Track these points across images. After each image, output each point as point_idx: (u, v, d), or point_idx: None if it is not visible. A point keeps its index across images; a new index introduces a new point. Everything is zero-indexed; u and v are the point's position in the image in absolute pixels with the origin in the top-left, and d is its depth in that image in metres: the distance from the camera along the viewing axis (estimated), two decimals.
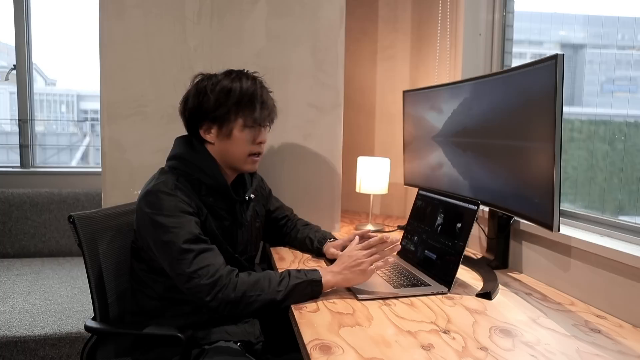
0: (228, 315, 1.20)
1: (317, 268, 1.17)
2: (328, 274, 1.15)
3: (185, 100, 1.26)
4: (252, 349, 1.24)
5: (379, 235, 1.23)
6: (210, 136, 1.24)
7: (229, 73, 1.25)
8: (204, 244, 1.14)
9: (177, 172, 1.22)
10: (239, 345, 1.20)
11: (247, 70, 1.28)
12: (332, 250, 1.41)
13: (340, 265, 1.17)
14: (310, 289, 1.12)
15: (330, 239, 1.49)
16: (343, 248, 1.42)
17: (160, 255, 1.15)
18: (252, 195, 1.37)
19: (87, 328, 1.20)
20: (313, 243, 1.49)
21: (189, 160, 1.23)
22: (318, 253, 1.48)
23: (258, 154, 1.28)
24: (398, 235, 1.87)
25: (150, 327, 1.17)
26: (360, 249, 1.19)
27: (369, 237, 1.34)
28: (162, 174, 1.22)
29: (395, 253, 1.24)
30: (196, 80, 1.26)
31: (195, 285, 1.09)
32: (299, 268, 1.17)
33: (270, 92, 1.29)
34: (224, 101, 1.20)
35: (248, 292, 1.09)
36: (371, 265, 1.16)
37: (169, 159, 1.27)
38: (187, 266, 1.09)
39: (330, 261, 1.42)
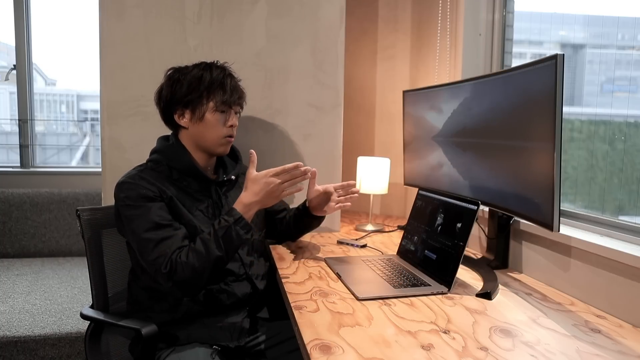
0: (210, 310, 1.24)
1: (234, 207, 1.23)
2: (247, 208, 1.23)
3: (160, 91, 1.34)
4: (231, 353, 1.24)
5: (295, 163, 1.26)
6: (184, 121, 1.31)
7: (198, 64, 1.34)
8: (165, 229, 1.19)
9: (149, 164, 1.30)
10: (214, 349, 1.20)
11: (217, 61, 1.36)
12: (312, 196, 1.45)
13: (257, 192, 1.23)
14: (239, 228, 1.19)
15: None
16: (322, 194, 1.45)
17: (132, 245, 1.22)
18: (233, 177, 1.40)
19: (81, 315, 1.29)
20: (299, 209, 1.53)
21: (163, 151, 1.32)
22: (305, 213, 1.50)
23: (230, 136, 1.34)
24: (398, 234, 1.88)
25: (126, 320, 1.21)
26: (274, 175, 1.23)
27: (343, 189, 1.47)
28: (136, 167, 1.31)
29: (309, 178, 1.29)
30: (169, 73, 1.34)
31: (155, 273, 1.17)
32: (224, 216, 1.22)
33: (239, 80, 1.38)
34: (196, 86, 1.28)
35: (195, 265, 1.15)
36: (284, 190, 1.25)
37: (150, 154, 1.35)
38: (149, 254, 1.17)
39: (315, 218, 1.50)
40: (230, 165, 1.44)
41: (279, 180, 1.23)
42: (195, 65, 1.33)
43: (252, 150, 1.30)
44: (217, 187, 1.35)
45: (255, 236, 1.38)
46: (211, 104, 1.29)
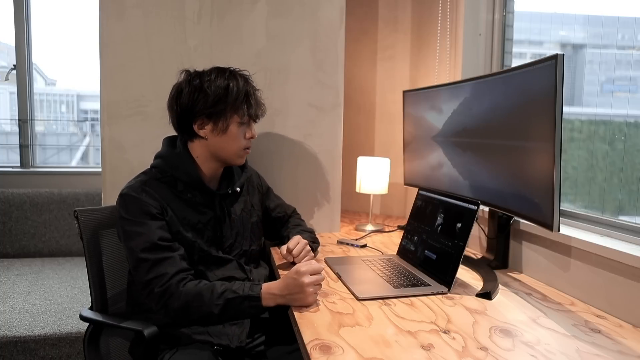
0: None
1: (263, 284, 1.14)
2: (269, 296, 1.12)
3: (177, 96, 1.27)
4: (233, 353, 1.23)
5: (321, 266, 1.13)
6: (204, 131, 1.27)
7: (220, 71, 1.28)
8: (163, 251, 1.16)
9: (154, 172, 1.27)
10: (215, 349, 1.20)
11: (233, 67, 1.31)
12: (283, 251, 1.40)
13: (284, 288, 1.11)
14: (248, 304, 1.11)
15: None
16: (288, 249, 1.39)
17: (129, 261, 1.20)
18: (238, 189, 1.38)
19: (81, 317, 1.28)
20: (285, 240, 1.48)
21: (168, 158, 1.29)
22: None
23: (248, 147, 1.34)
24: (398, 234, 1.88)
25: (127, 322, 1.20)
26: (307, 272, 1.10)
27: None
28: (140, 174, 1.28)
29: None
30: (186, 76, 1.28)
31: (148, 293, 1.15)
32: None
33: (258, 89, 1.34)
34: (223, 99, 1.24)
35: (190, 302, 1.11)
36: (316, 292, 1.12)
37: (154, 158, 1.32)
38: (144, 274, 1.15)
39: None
40: (237, 174, 1.41)
41: (312, 280, 1.10)
42: (218, 74, 1.26)
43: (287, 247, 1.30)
44: (221, 200, 1.33)
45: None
46: (236, 117, 1.26)
